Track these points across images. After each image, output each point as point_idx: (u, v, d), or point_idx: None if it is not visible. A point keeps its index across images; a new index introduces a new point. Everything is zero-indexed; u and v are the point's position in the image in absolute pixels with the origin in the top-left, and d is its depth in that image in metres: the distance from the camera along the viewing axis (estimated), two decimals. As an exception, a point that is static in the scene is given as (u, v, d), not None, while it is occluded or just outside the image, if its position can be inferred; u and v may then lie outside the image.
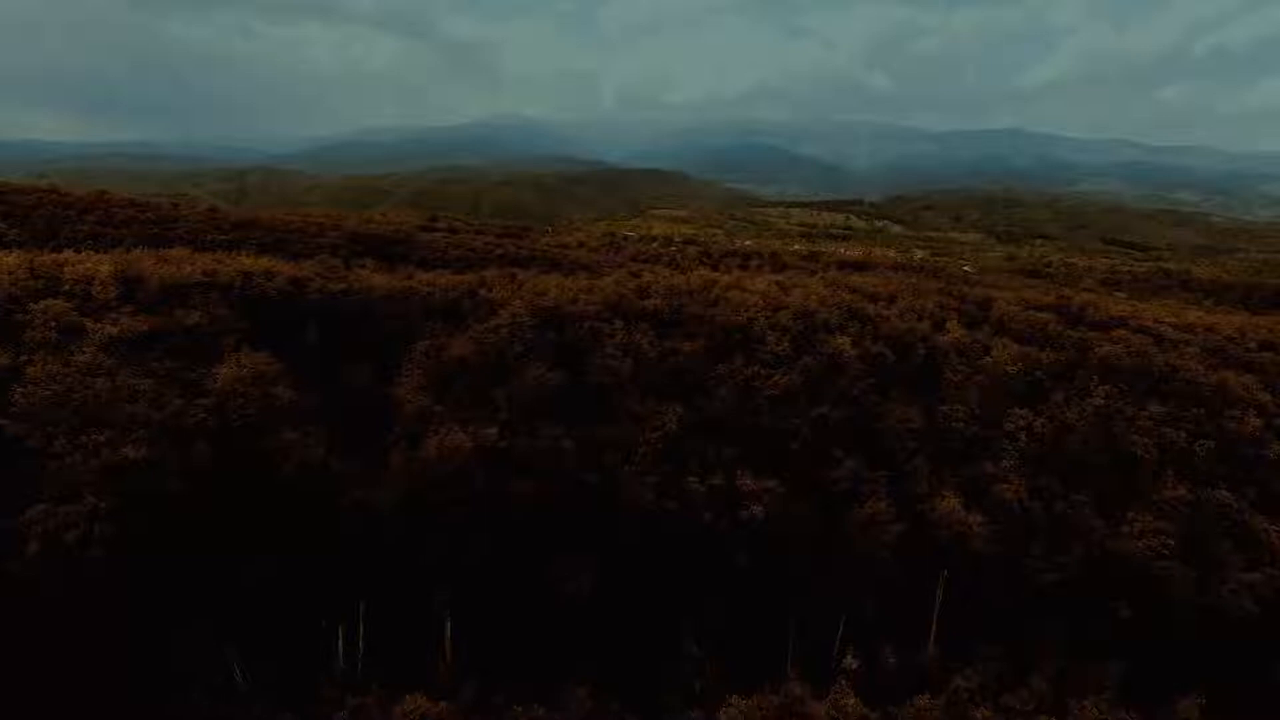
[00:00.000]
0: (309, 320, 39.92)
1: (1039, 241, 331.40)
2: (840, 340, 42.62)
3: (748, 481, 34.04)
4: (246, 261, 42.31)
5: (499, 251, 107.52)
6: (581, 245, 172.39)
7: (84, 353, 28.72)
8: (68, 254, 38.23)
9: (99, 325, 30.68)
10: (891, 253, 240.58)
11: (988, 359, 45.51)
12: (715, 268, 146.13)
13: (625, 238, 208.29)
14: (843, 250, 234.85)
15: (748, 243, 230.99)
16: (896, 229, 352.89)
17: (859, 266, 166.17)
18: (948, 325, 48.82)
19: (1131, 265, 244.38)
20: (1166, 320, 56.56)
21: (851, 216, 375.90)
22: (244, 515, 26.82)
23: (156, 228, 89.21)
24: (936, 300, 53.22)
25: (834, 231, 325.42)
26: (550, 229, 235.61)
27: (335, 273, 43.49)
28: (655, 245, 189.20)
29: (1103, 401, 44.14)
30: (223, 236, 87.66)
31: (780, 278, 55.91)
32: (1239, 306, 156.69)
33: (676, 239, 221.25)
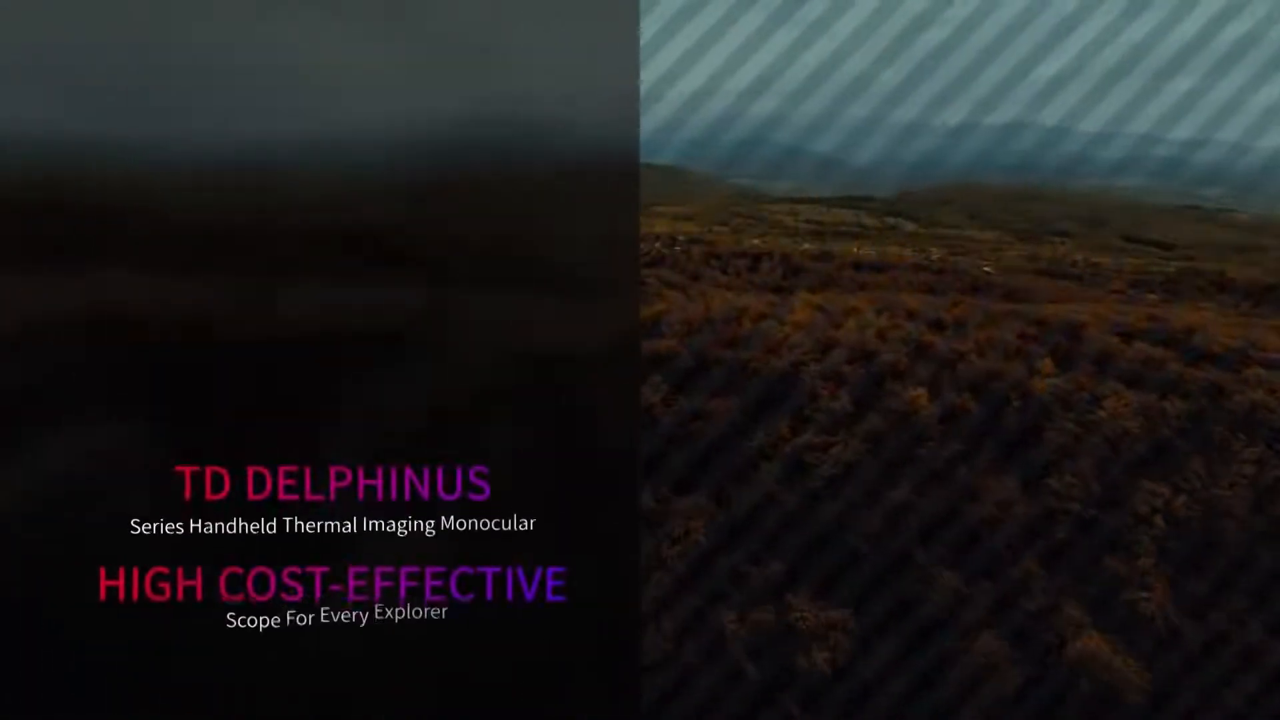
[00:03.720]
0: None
1: (1058, 240, 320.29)
2: (915, 392, 32.28)
3: (805, 614, 23.80)
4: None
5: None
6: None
7: None
8: None
9: None
10: (907, 252, 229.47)
11: (1100, 412, 35.23)
12: (724, 270, 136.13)
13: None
14: (855, 249, 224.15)
15: (755, 241, 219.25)
16: (909, 226, 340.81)
17: (877, 268, 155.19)
18: (1039, 365, 38.55)
19: (1161, 265, 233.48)
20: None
21: (861, 213, 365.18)
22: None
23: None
24: (1016, 329, 42.89)
25: (843, 229, 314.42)
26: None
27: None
28: (658, 245, 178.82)
29: (1255, 469, 33.87)
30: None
31: (819, 299, 45.33)
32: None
33: (680, 238, 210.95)
